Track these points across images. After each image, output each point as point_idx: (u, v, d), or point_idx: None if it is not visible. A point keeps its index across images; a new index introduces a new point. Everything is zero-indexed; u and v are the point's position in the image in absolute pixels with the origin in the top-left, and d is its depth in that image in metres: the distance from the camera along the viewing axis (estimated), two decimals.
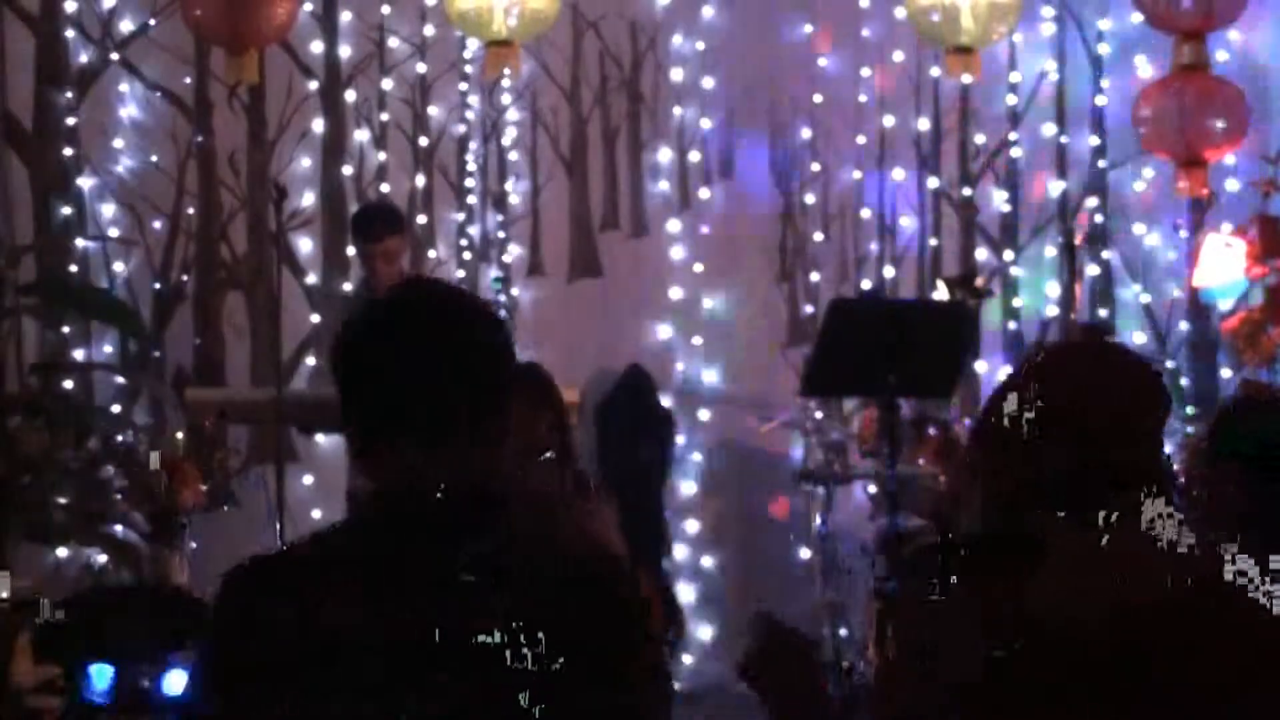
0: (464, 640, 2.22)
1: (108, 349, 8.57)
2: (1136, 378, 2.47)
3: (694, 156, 9.14)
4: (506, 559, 2.29)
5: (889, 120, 9.05)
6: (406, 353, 2.37)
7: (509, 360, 2.45)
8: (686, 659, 8.67)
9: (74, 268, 8.45)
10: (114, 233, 8.59)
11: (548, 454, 4.70)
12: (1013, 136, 9.10)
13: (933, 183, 9.11)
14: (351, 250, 8.75)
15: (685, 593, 8.75)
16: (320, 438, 8.11)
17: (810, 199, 9.12)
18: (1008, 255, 9.05)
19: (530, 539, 2.35)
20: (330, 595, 2.25)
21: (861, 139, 9.08)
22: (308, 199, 8.79)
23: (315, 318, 8.55)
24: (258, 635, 2.26)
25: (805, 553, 8.38)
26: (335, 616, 2.23)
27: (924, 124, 9.07)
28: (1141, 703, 2.23)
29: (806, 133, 9.08)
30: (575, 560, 2.37)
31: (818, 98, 9.05)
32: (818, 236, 9.12)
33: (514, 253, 9.02)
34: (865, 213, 9.12)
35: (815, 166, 9.11)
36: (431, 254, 8.88)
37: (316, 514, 7.96)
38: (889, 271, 9.07)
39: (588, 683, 2.24)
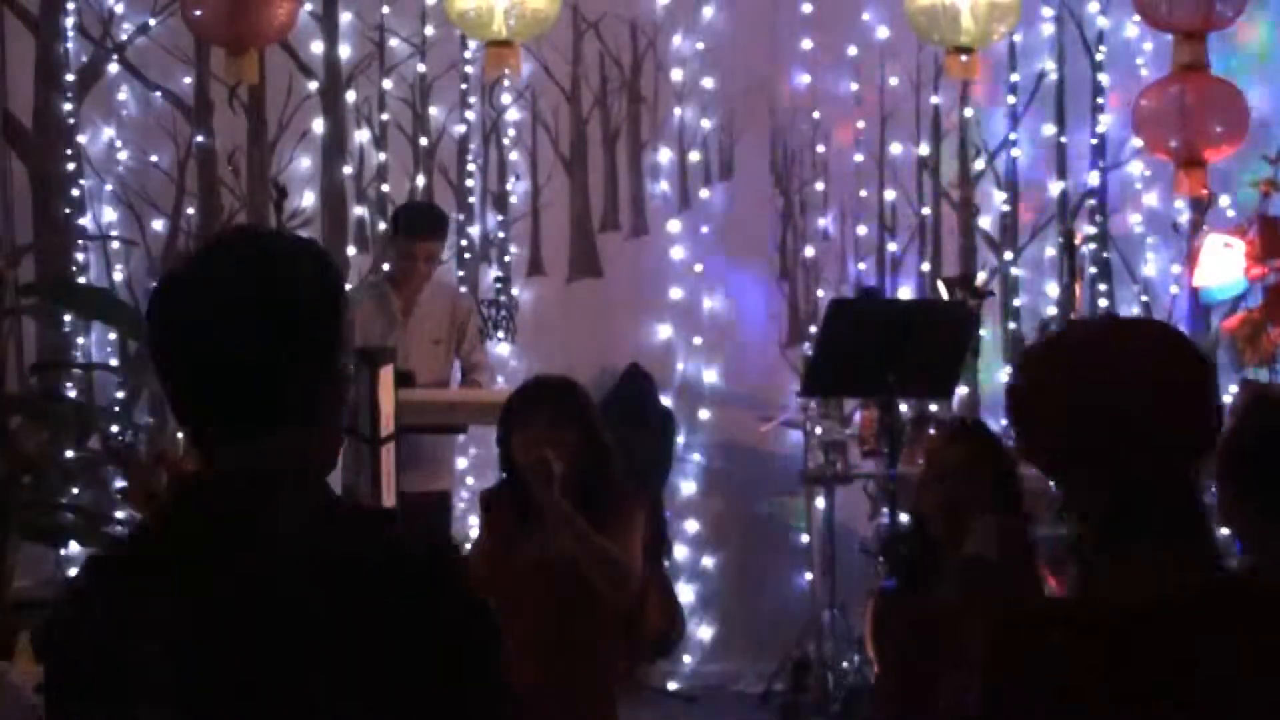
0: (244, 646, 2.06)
1: (108, 349, 8.57)
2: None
3: (694, 156, 9.14)
4: (283, 559, 2.08)
5: (889, 120, 9.05)
6: (191, 329, 2.11)
7: (322, 322, 2.14)
8: (686, 659, 8.68)
9: (74, 268, 8.45)
10: (114, 233, 8.60)
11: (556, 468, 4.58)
12: (1013, 136, 9.10)
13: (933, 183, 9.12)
14: (352, 250, 8.78)
15: (685, 593, 8.74)
16: None
17: (810, 199, 9.11)
18: (1008, 255, 9.05)
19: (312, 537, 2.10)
20: (134, 598, 2.11)
21: (861, 139, 9.08)
22: (308, 199, 8.79)
23: None
24: (76, 642, 2.15)
25: (805, 553, 8.38)
26: (138, 619, 2.09)
27: (924, 124, 9.07)
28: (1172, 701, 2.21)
29: (806, 133, 9.08)
30: (368, 560, 2.08)
31: (818, 97, 9.05)
32: (818, 236, 9.11)
33: (514, 253, 9.02)
34: (865, 212, 9.12)
35: (815, 166, 9.10)
36: (447, 254, 8.86)
37: None
38: (889, 271, 9.07)
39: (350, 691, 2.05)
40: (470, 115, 9.00)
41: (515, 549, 4.60)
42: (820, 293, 8.95)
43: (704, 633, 8.83)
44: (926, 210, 9.09)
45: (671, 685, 8.46)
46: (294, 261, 2.15)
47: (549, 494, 4.50)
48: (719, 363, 9.07)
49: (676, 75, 9.11)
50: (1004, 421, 8.62)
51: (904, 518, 7.62)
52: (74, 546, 7.61)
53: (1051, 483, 2.36)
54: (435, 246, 7.67)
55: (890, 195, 9.09)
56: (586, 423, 4.67)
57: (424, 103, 8.97)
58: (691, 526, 8.93)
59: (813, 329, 8.51)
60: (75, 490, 7.38)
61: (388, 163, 8.93)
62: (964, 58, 7.79)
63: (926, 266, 9.04)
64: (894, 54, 8.98)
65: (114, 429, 7.81)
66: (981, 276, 8.41)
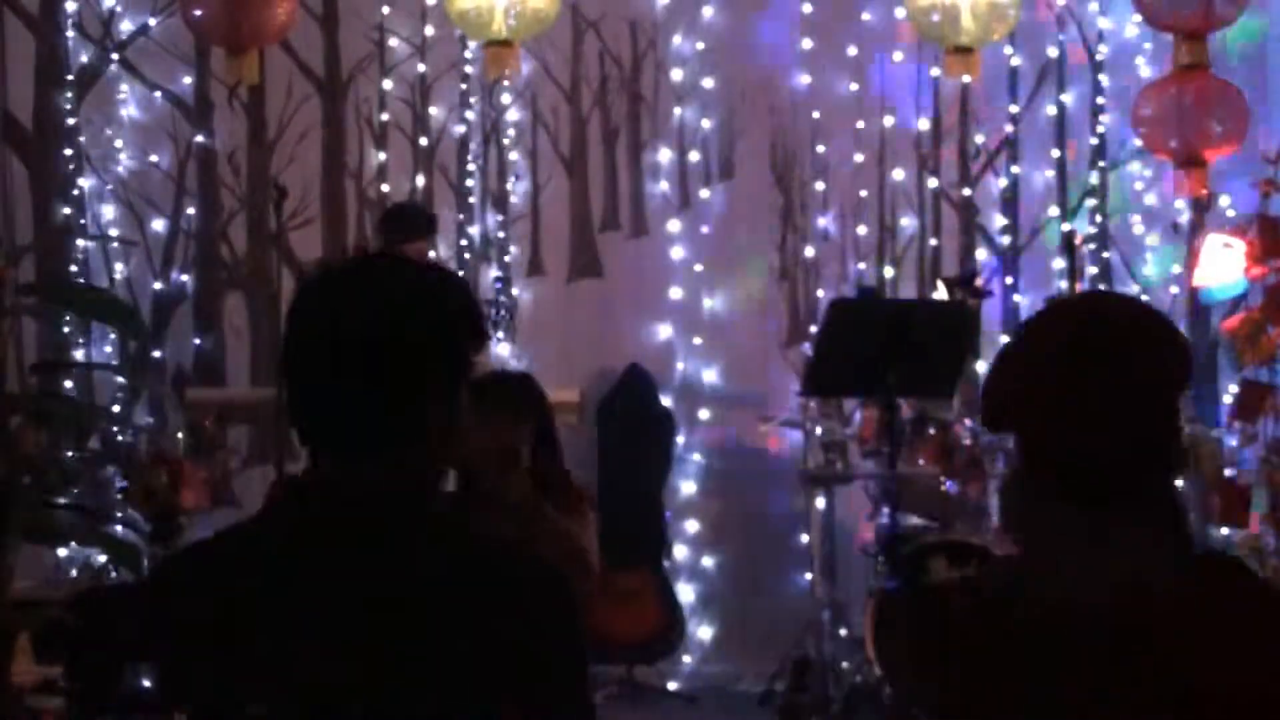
0: (365, 656, 2.13)
1: (108, 349, 8.57)
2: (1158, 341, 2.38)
3: (694, 156, 9.14)
4: (410, 571, 2.17)
5: (889, 120, 9.05)
6: (309, 355, 2.24)
7: (434, 350, 2.22)
8: (686, 659, 8.68)
9: (74, 268, 8.45)
10: (114, 233, 8.60)
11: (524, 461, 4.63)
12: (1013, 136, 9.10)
13: (932, 183, 9.11)
14: (352, 250, 8.77)
15: (685, 593, 8.75)
16: None
17: (810, 199, 9.11)
18: (1008, 256, 9.05)
19: (440, 550, 2.20)
20: (242, 595, 2.19)
21: (861, 139, 9.08)
22: (308, 199, 8.79)
23: None
24: (177, 626, 2.23)
25: (805, 553, 8.38)
26: (246, 616, 2.17)
27: (924, 124, 9.07)
28: (1144, 689, 2.22)
29: (806, 133, 9.08)
30: (492, 572, 2.20)
31: (818, 97, 9.05)
32: (818, 236, 9.11)
33: (514, 253, 9.02)
34: (865, 212, 9.11)
35: (815, 166, 9.10)
36: (431, 254, 8.87)
37: None
38: (889, 271, 9.07)
39: (487, 695, 2.13)
40: (470, 115, 9.00)
41: None
42: (820, 293, 8.95)
43: (704, 633, 8.83)
44: (926, 210, 9.09)
45: (671, 685, 8.46)
46: (429, 298, 2.23)
47: (518, 477, 4.54)
48: (719, 363, 9.07)
49: (676, 75, 9.11)
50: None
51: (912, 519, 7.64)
52: (74, 546, 7.62)
53: None
54: (416, 248, 7.67)
55: (890, 195, 9.09)
56: (545, 416, 4.72)
57: (424, 103, 8.97)
58: (691, 526, 8.93)
59: (813, 329, 8.51)
60: (75, 490, 7.38)
61: (387, 162, 8.93)
62: (964, 57, 7.79)
63: (926, 266, 9.04)
64: (894, 53, 8.98)
65: (114, 429, 7.81)
66: (981, 276, 8.40)
